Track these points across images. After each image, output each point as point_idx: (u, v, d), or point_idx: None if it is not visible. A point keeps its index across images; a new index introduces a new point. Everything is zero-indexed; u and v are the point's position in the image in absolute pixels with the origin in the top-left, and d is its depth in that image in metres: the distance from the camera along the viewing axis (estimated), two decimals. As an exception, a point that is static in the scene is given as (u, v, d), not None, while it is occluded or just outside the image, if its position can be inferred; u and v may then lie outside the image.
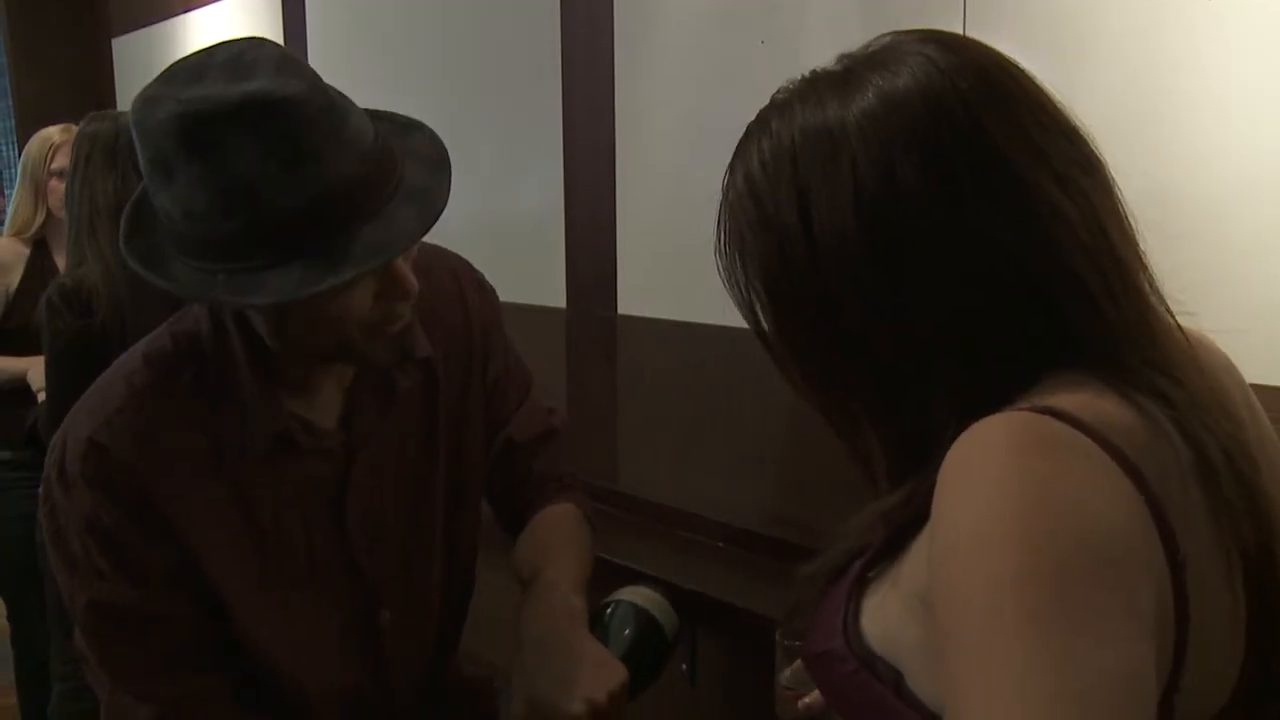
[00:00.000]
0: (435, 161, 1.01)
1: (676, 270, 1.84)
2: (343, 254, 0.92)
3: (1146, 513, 0.60)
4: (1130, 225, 0.69)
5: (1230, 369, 0.76)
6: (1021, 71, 0.69)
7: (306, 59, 2.74)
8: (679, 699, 1.77)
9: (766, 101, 0.74)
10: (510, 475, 1.34)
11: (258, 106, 0.89)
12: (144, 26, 3.62)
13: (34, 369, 2.25)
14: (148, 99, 0.93)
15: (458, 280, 1.28)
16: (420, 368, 1.19)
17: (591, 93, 1.94)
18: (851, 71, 0.70)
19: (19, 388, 2.33)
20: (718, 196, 0.74)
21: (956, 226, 0.65)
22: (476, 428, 1.28)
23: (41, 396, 2.17)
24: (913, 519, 0.69)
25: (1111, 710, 0.53)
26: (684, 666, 1.71)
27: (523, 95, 2.11)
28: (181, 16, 3.37)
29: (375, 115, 1.02)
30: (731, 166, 0.74)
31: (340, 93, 0.97)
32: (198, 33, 3.30)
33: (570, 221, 2.04)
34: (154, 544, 1.04)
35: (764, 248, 0.71)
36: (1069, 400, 0.63)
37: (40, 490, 1.07)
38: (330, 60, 2.68)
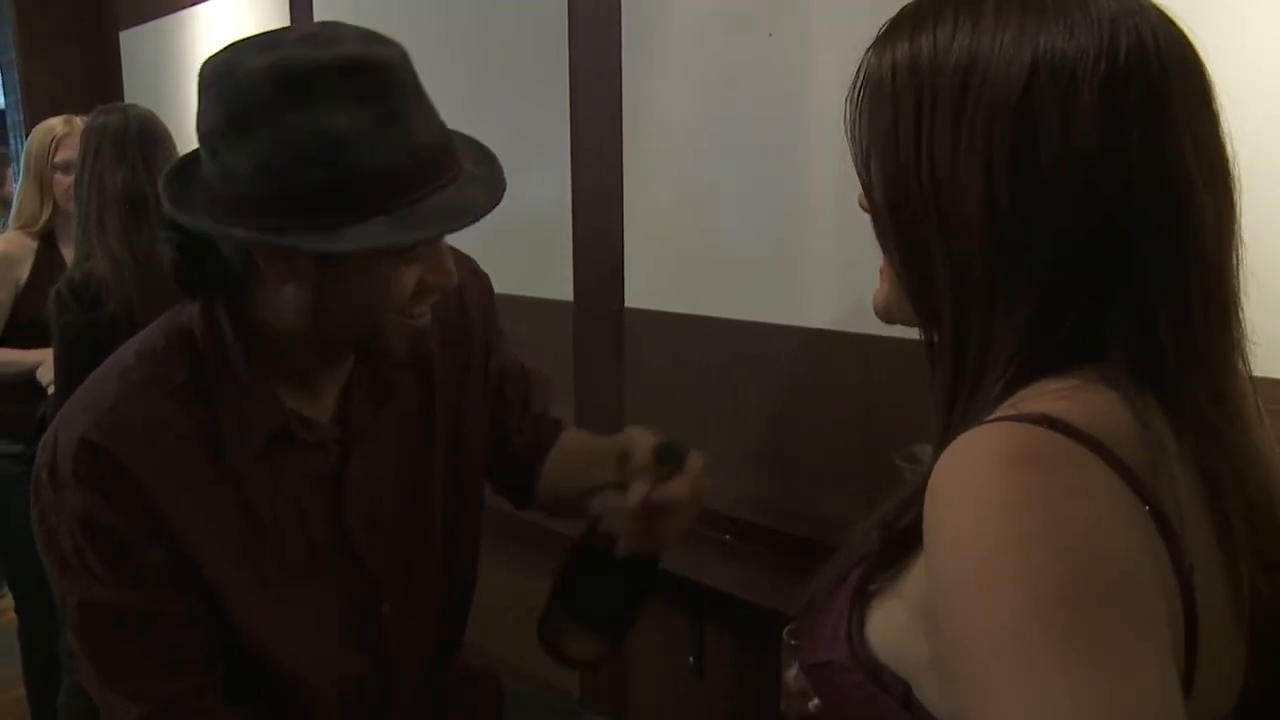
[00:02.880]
0: (483, 154, 1.07)
1: (684, 264, 1.84)
2: (422, 216, 0.95)
3: (1150, 522, 0.59)
4: (1239, 255, 0.67)
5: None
6: (1205, 65, 0.67)
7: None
8: (686, 691, 1.77)
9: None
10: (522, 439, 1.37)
11: (352, 65, 0.91)
12: (151, 19, 3.62)
13: (45, 364, 2.25)
14: (225, 60, 0.94)
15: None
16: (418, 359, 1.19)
17: (599, 88, 1.94)
18: None
19: (28, 381, 2.34)
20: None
21: (1105, 183, 0.62)
22: (476, 419, 1.29)
23: (52, 391, 2.17)
24: (913, 525, 0.67)
25: None
26: (691, 659, 1.72)
27: (530, 91, 2.11)
28: (189, 10, 3.37)
29: None
30: (910, 26, 0.70)
31: None
32: (205, 26, 3.30)
33: (578, 216, 2.04)
34: (148, 543, 1.03)
35: (902, 117, 0.68)
36: (1066, 406, 0.61)
37: (30, 490, 1.06)
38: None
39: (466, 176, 1.01)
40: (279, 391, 1.09)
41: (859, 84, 0.72)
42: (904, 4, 0.73)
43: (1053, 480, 0.57)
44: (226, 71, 0.93)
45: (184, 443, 1.05)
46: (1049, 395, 0.63)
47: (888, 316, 0.77)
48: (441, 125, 1.00)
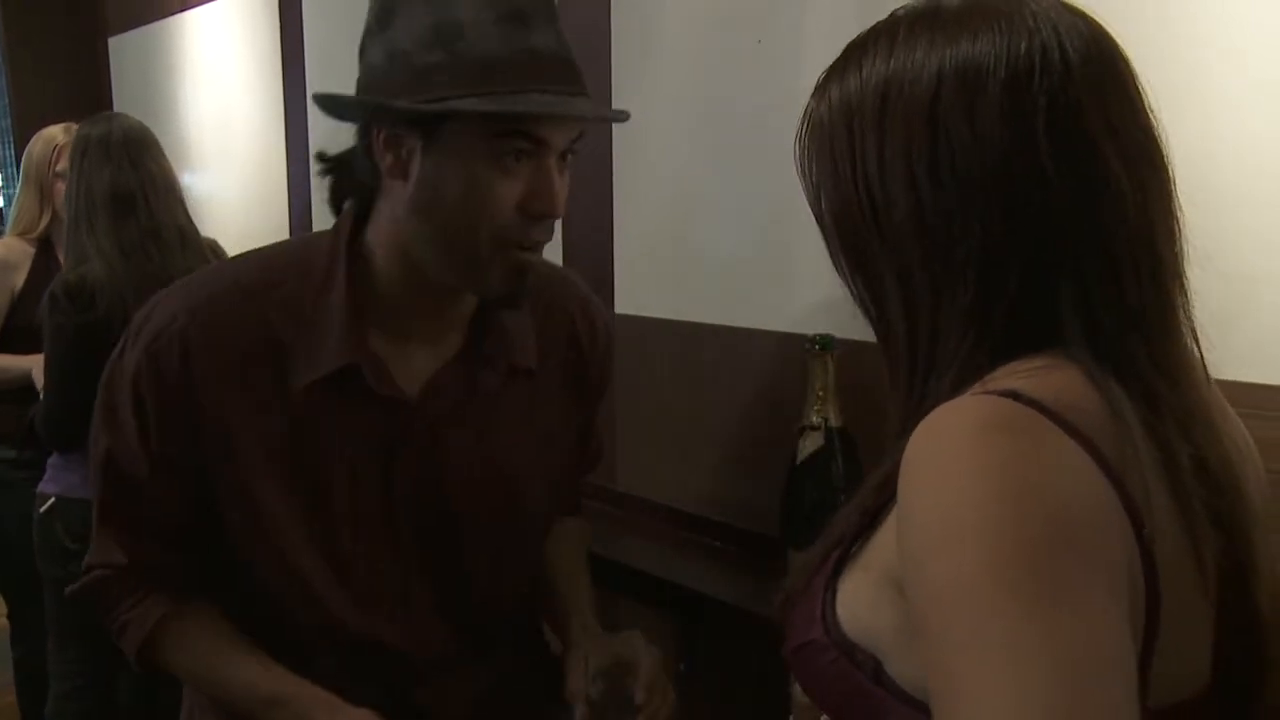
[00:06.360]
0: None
1: (673, 269, 1.84)
2: (520, 102, 1.00)
3: (1110, 488, 0.61)
4: (1179, 237, 0.70)
5: (1236, 421, 0.77)
6: (1124, 56, 0.71)
7: (303, 59, 2.75)
8: (676, 697, 1.77)
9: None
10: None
11: None
12: (140, 26, 3.61)
13: (37, 367, 2.24)
14: None
15: (577, 304, 1.30)
16: (521, 376, 1.20)
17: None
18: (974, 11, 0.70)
19: (20, 386, 2.33)
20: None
21: (1019, 171, 0.66)
22: (566, 451, 1.31)
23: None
24: (887, 504, 0.71)
25: (1098, 681, 0.54)
26: (681, 666, 1.72)
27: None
28: (177, 16, 3.37)
29: None
30: (842, 68, 0.75)
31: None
32: (194, 32, 3.30)
33: (567, 222, 2.04)
34: (171, 434, 1.10)
35: (837, 145, 0.73)
36: (1031, 383, 0.64)
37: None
38: (328, 61, 2.68)
39: (582, 97, 1.05)
40: (371, 336, 1.11)
41: (804, 128, 0.77)
42: (889, 9, 0.75)
43: (1018, 445, 0.61)
44: None
45: (258, 353, 1.09)
46: (1014, 375, 0.66)
47: None
48: (565, 45, 1.04)
